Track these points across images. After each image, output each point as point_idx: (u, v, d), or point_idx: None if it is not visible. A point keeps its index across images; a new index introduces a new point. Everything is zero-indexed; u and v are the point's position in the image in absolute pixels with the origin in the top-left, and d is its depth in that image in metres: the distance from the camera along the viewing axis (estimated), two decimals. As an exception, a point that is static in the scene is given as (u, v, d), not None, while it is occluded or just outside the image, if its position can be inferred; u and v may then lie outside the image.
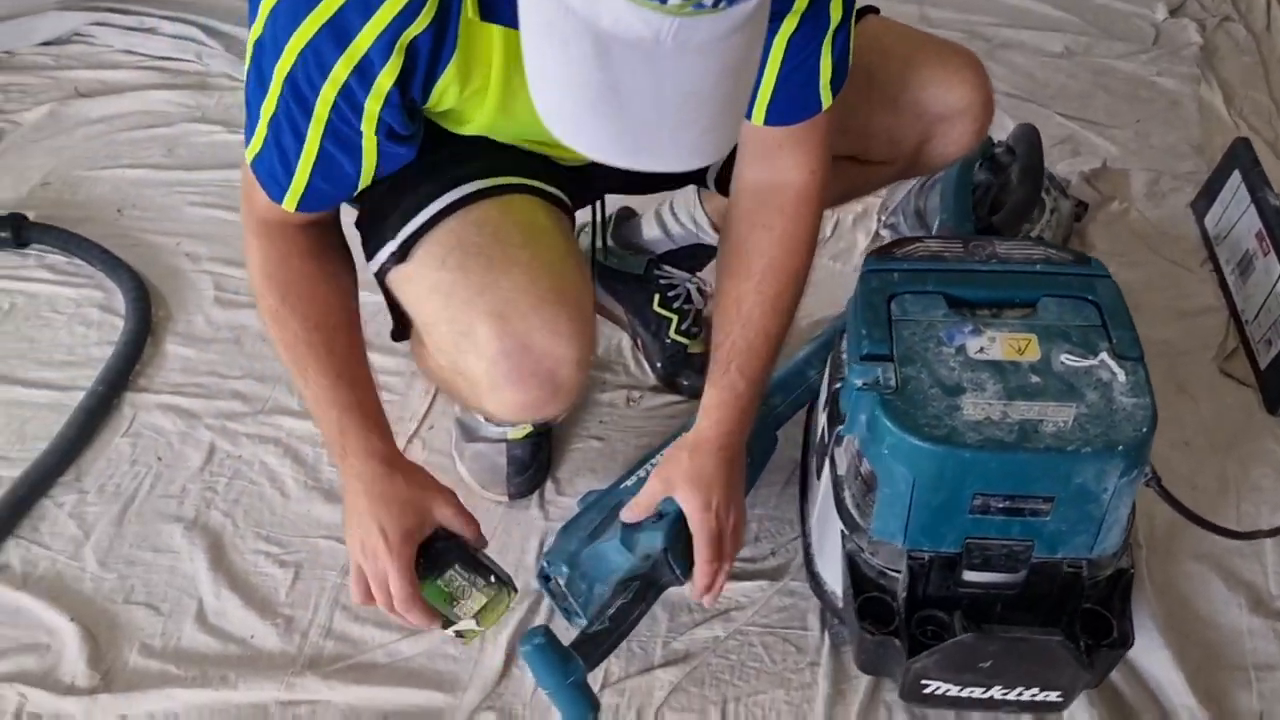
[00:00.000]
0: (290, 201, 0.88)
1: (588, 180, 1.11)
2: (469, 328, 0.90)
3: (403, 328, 1.08)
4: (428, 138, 0.92)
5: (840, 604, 1.04)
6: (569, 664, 0.92)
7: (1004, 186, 1.44)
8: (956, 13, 2.02)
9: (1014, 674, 0.92)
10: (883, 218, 1.60)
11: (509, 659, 1.10)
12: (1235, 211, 1.51)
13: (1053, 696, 0.94)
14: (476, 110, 0.88)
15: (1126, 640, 0.92)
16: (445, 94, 0.84)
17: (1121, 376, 0.90)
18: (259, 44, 0.81)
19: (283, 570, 1.19)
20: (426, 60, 0.80)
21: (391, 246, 0.96)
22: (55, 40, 2.00)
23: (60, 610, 1.14)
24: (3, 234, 1.55)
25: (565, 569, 1.06)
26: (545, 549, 1.16)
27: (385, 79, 0.79)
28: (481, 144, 0.97)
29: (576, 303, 0.93)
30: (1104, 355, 0.91)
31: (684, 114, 0.65)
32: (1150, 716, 1.04)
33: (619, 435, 1.33)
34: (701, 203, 1.31)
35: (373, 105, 0.81)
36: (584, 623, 1.04)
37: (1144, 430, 0.86)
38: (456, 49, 0.80)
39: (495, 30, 0.81)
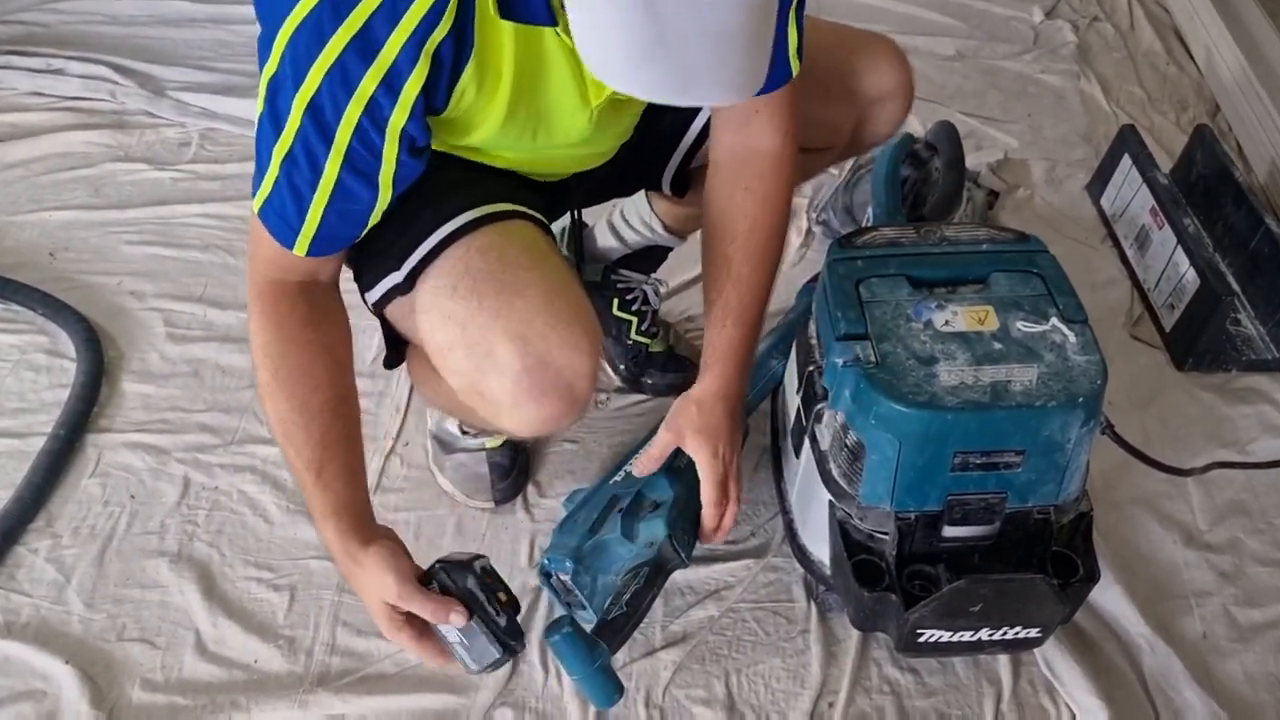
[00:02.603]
0: (301, 244, 0.88)
1: (559, 197, 1.16)
2: (489, 350, 0.91)
3: (396, 356, 1.10)
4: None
5: (828, 572, 1.11)
6: (595, 649, 0.96)
7: (926, 180, 1.55)
8: (853, 22, 2.12)
9: (1000, 615, 1.00)
10: (813, 215, 1.69)
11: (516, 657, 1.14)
12: (1129, 191, 1.65)
13: (1033, 633, 1.03)
14: (487, 109, 0.90)
15: (1093, 575, 1.01)
16: (464, 93, 0.87)
17: (1072, 337, 0.99)
18: (275, 81, 0.81)
19: (277, 594, 1.19)
20: (450, 63, 0.82)
21: (396, 278, 0.96)
22: (-46, 87, 1.94)
23: (52, 654, 1.12)
24: (-67, 284, 1.50)
25: (570, 564, 1.09)
26: (543, 548, 1.20)
27: (412, 86, 0.81)
28: (472, 173, 1.01)
29: (587, 318, 0.95)
30: (1054, 320, 1.00)
31: (720, 52, 0.72)
32: (1111, 646, 1.14)
33: (592, 437, 1.37)
34: (651, 205, 1.37)
35: (398, 118, 0.82)
36: (589, 614, 1.08)
37: (1098, 383, 0.96)
38: (474, 47, 0.83)
39: (508, 27, 0.84)
